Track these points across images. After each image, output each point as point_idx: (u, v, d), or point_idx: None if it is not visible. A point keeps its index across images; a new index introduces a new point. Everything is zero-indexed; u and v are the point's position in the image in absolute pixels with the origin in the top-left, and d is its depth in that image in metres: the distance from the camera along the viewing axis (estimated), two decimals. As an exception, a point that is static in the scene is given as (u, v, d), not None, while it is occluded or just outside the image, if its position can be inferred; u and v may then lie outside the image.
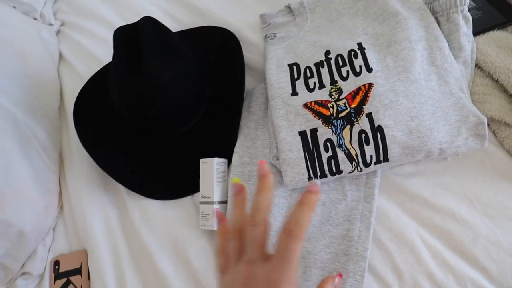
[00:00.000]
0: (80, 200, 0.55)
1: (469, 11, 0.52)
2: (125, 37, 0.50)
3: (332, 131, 0.44)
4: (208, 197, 0.48)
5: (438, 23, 0.48)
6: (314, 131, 0.45)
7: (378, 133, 0.43)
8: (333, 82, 0.47)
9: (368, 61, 0.46)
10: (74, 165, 0.58)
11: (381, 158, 0.43)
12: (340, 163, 0.44)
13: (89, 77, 0.62)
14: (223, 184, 0.50)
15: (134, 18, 0.51)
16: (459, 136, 0.42)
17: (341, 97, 0.46)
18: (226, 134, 0.52)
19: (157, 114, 0.49)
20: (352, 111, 0.44)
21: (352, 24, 0.52)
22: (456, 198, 0.45)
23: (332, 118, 0.45)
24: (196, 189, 0.51)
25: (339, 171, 0.44)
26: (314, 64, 0.50)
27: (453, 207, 0.44)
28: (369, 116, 0.43)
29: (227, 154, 0.51)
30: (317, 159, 0.44)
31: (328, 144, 0.44)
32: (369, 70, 0.46)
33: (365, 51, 0.47)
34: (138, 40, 0.48)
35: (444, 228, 0.44)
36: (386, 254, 0.44)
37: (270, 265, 0.27)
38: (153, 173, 0.53)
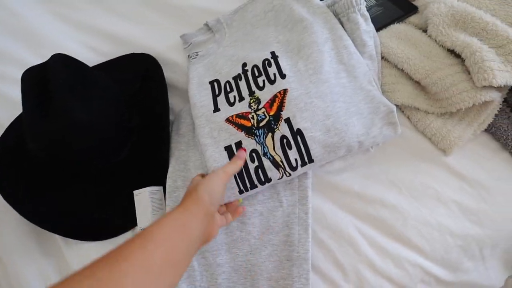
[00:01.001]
0: (12, 259, 0.51)
1: (371, 8, 0.55)
2: (35, 78, 0.48)
3: (256, 141, 0.45)
4: (145, 229, 0.47)
5: (341, 23, 0.51)
6: (239, 144, 0.45)
7: (298, 136, 0.44)
8: (251, 93, 0.48)
9: (282, 68, 0.48)
10: (1, 222, 0.53)
11: (306, 160, 0.44)
12: (267, 171, 0.44)
13: (9, 124, 0.58)
14: (160, 213, 0.48)
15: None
16: (374, 127, 0.45)
17: (260, 107, 0.47)
18: (157, 161, 0.51)
19: (75, 153, 0.47)
20: (271, 118, 0.45)
21: (265, 34, 0.53)
22: (384, 186, 0.47)
23: (254, 128, 0.46)
24: (135, 223, 0.49)
25: (268, 179, 0.44)
26: (233, 78, 0.50)
27: (382, 195, 0.46)
28: (288, 121, 0.44)
29: (161, 180, 0.50)
30: (245, 171, 0.44)
31: (254, 154, 0.45)
32: (283, 76, 0.47)
33: (278, 58, 0.49)
34: (48, 79, 0.46)
35: (376, 217, 0.46)
36: (327, 252, 0.45)
37: None
38: (84, 211, 0.50)
